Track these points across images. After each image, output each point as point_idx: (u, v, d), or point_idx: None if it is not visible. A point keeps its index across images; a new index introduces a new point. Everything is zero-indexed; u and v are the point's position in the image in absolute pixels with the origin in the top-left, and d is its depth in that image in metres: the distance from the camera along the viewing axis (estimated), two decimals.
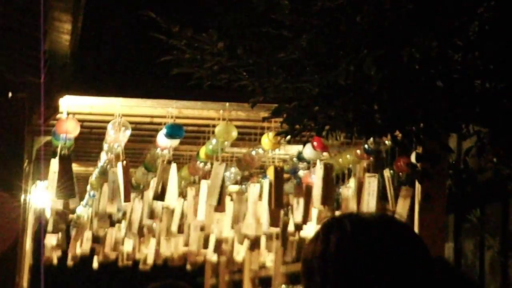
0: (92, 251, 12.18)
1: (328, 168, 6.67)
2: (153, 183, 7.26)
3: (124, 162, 6.56)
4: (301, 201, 7.48)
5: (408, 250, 1.96)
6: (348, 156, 6.94)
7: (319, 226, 2.04)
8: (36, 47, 5.39)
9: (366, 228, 1.96)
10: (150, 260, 11.61)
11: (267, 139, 6.68)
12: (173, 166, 6.72)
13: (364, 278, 1.92)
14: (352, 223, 1.98)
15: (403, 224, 2.01)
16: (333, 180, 6.93)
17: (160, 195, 6.69)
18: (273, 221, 7.12)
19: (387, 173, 6.47)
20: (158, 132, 6.59)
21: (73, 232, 12.14)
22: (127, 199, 6.58)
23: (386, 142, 6.32)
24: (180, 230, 8.72)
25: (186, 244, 9.78)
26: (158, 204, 7.80)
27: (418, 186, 5.46)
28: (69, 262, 12.75)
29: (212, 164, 7.35)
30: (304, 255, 2.00)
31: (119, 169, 6.60)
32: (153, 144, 6.95)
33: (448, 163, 6.25)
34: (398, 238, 1.97)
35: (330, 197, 6.74)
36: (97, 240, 11.16)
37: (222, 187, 6.71)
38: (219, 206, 6.88)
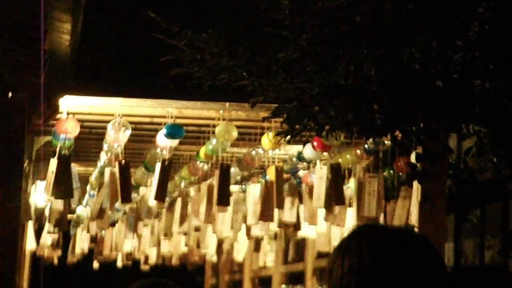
0: (92, 251, 12.18)
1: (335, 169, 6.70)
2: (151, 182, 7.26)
3: (123, 161, 6.55)
4: (296, 201, 7.50)
5: (425, 266, 1.99)
6: (348, 156, 6.94)
7: (345, 233, 2.09)
8: (36, 47, 5.38)
9: (387, 242, 2.00)
10: (150, 260, 11.61)
11: (267, 139, 6.68)
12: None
13: None
14: (376, 236, 2.02)
15: (424, 239, 2.05)
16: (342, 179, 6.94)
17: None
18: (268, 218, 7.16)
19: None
20: (158, 132, 6.59)
21: (73, 232, 12.14)
22: (125, 200, 6.56)
23: (386, 142, 6.32)
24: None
25: (186, 244, 9.80)
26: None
27: (418, 186, 5.46)
28: (69, 262, 12.75)
29: (212, 164, 7.36)
30: (328, 261, 2.04)
31: (117, 169, 6.59)
32: (153, 144, 6.95)
33: (448, 163, 6.25)
34: (417, 255, 2.00)
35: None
36: (97, 240, 11.17)
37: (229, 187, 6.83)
38: (221, 207, 6.91)
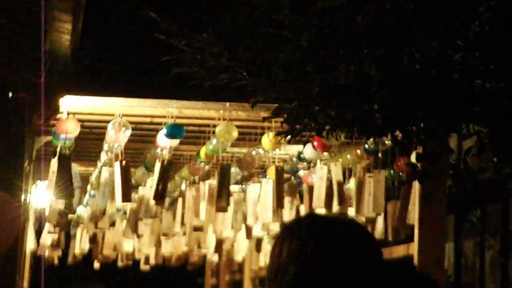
0: (92, 251, 12.18)
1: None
2: (151, 182, 7.25)
3: (124, 162, 6.55)
4: (295, 201, 7.50)
5: (362, 253, 2.01)
6: (348, 156, 6.94)
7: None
8: (36, 47, 5.39)
9: (321, 232, 2.01)
10: (150, 260, 11.60)
11: (267, 139, 6.68)
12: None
13: (317, 281, 1.96)
14: (308, 227, 2.03)
15: (359, 227, 2.07)
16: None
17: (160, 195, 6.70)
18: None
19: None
20: (158, 132, 6.59)
21: (73, 232, 12.14)
22: (125, 199, 6.56)
23: (386, 142, 6.32)
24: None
25: (187, 244, 9.79)
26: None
27: (418, 186, 5.46)
28: (69, 262, 12.75)
29: (212, 164, 7.35)
30: (270, 258, 2.04)
31: (116, 169, 6.59)
32: (153, 144, 6.95)
33: (448, 163, 6.25)
34: (352, 242, 2.01)
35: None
36: (97, 240, 11.17)
37: (229, 187, 6.79)
38: (221, 206, 6.89)
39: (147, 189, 7.75)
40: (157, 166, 6.70)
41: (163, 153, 6.78)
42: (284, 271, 1.98)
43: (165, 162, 6.68)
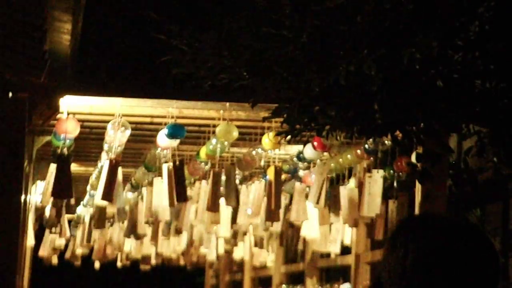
0: (92, 251, 12.18)
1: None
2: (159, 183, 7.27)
3: (114, 160, 6.53)
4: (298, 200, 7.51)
5: (486, 259, 2.06)
6: (348, 156, 6.95)
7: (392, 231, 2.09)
8: (36, 47, 5.39)
9: (447, 236, 2.01)
10: (151, 260, 11.61)
11: (267, 139, 6.68)
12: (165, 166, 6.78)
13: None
14: (433, 230, 2.02)
15: (479, 230, 2.09)
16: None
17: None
18: (271, 217, 7.14)
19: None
20: (158, 132, 6.59)
21: (73, 232, 12.14)
22: (105, 197, 6.54)
23: (386, 142, 6.32)
24: (180, 230, 8.74)
25: (186, 245, 9.80)
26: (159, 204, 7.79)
27: (418, 186, 5.46)
28: (69, 262, 12.75)
29: (212, 164, 7.36)
30: (391, 259, 2.02)
31: (105, 166, 6.59)
32: (153, 144, 6.95)
33: (448, 163, 6.25)
34: (464, 247, 2.02)
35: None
36: (96, 240, 11.17)
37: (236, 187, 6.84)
38: (213, 206, 6.92)
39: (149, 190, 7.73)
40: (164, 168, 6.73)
41: (164, 153, 6.79)
42: (411, 276, 1.97)
43: (177, 163, 6.71)
